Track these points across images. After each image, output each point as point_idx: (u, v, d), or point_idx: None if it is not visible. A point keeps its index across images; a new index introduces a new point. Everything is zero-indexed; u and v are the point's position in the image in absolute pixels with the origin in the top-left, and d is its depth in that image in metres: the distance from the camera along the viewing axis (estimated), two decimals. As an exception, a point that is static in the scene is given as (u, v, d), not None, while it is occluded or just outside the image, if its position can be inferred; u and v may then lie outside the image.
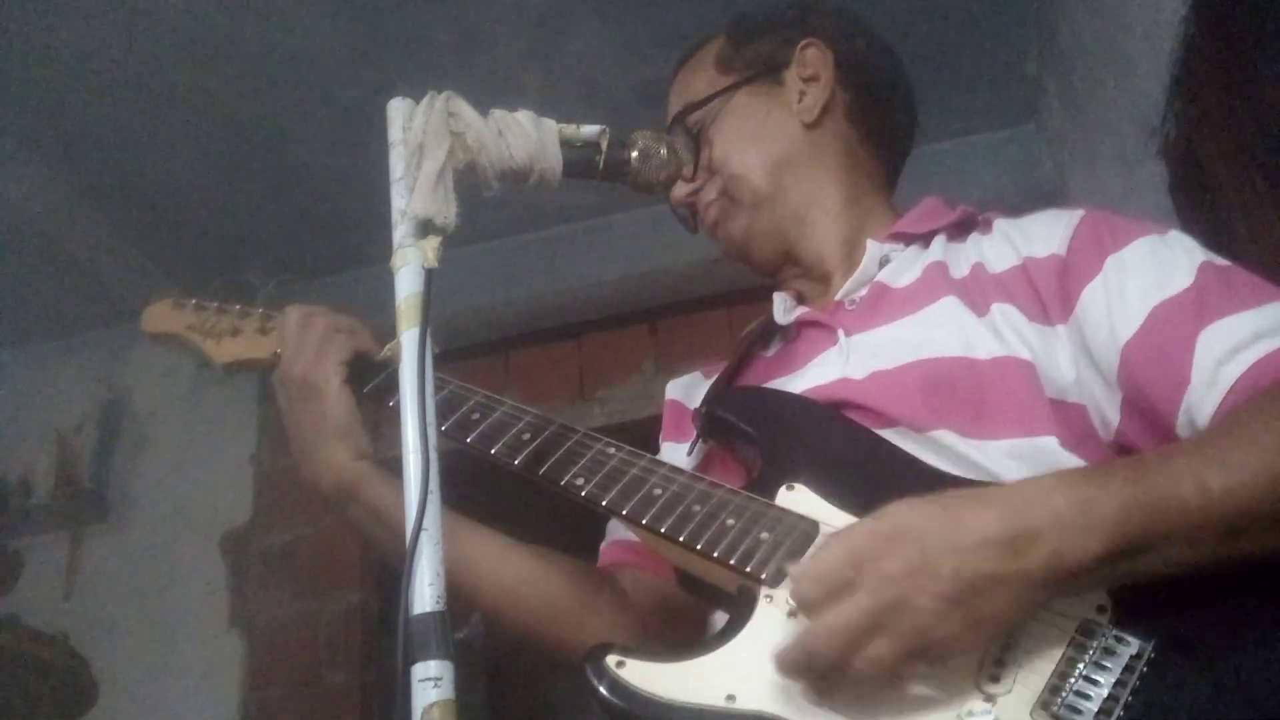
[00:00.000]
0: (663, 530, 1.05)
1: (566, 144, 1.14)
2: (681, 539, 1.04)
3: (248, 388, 3.31)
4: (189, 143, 2.91)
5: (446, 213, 1.01)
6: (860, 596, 0.85)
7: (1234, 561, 0.87)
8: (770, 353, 1.36)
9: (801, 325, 1.30)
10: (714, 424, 1.23)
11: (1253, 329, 1.00)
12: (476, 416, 1.20)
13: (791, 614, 0.94)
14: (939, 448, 1.09)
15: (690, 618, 1.22)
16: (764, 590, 0.98)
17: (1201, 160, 1.96)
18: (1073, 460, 1.06)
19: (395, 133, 1.05)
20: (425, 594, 0.82)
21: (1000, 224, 1.27)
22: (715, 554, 1.01)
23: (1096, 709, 0.82)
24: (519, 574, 1.26)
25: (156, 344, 1.47)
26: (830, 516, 1.02)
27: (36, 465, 3.40)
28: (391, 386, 1.19)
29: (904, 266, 1.28)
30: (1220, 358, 1.00)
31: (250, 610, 3.22)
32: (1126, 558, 0.86)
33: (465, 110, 1.07)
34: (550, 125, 1.13)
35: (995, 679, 0.86)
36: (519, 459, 1.15)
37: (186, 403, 3.37)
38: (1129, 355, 1.06)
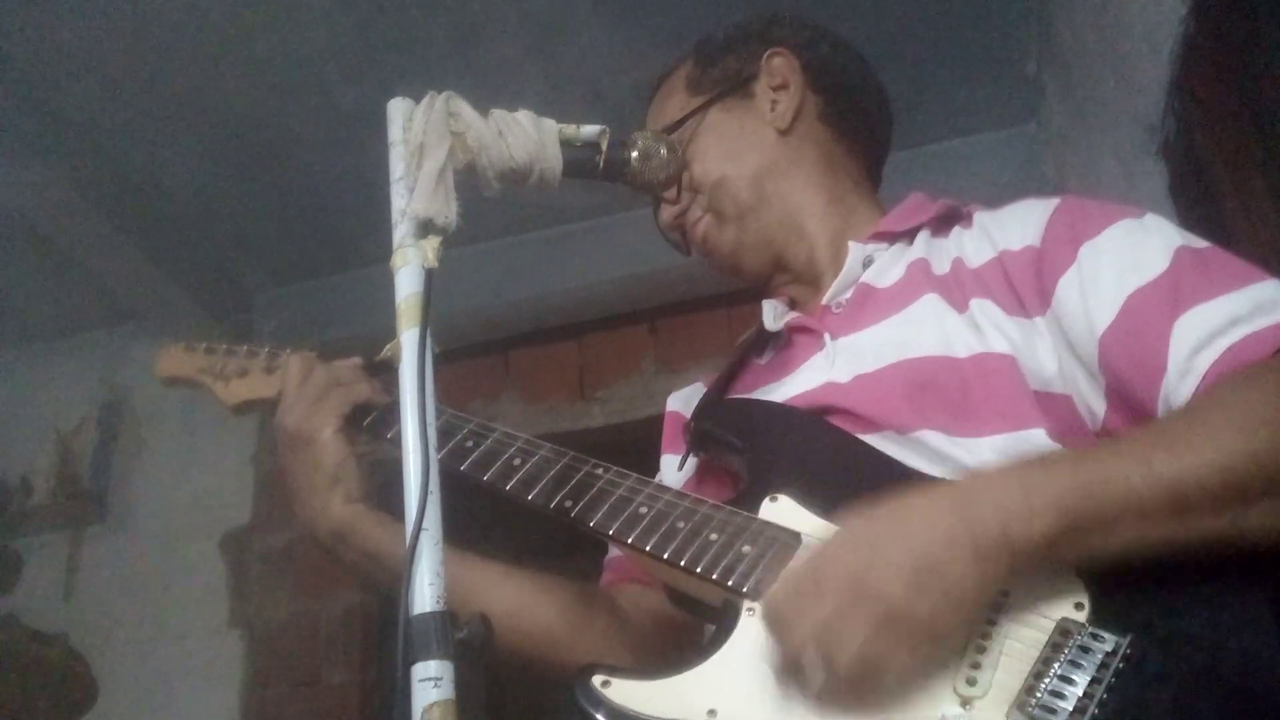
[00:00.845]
0: (647, 549, 1.07)
1: (566, 144, 1.14)
2: (665, 556, 1.06)
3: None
4: (189, 143, 2.91)
5: (447, 213, 1.01)
6: (823, 597, 0.88)
7: (1198, 545, 0.88)
8: (763, 360, 1.36)
9: (792, 331, 1.31)
10: (702, 437, 1.25)
11: (1229, 314, 1.00)
12: (470, 444, 1.22)
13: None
14: (924, 449, 1.09)
15: (688, 630, 1.23)
16: (746, 604, 0.99)
17: (1201, 160, 1.96)
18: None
19: (395, 133, 1.05)
20: (425, 594, 0.82)
21: (979, 217, 1.27)
22: (698, 569, 1.03)
23: (1071, 708, 0.83)
24: (513, 601, 1.27)
25: (169, 387, 1.54)
26: (813, 527, 1.03)
27: (36, 465, 3.41)
28: (388, 422, 1.26)
29: (887, 266, 1.28)
30: (1195, 345, 1.00)
31: (250, 610, 3.22)
32: (1077, 536, 0.88)
33: (465, 110, 1.07)
34: (550, 125, 1.13)
35: (971, 682, 0.87)
36: (510, 485, 1.18)
37: (186, 403, 3.36)
38: (1106, 345, 1.06)
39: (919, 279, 1.23)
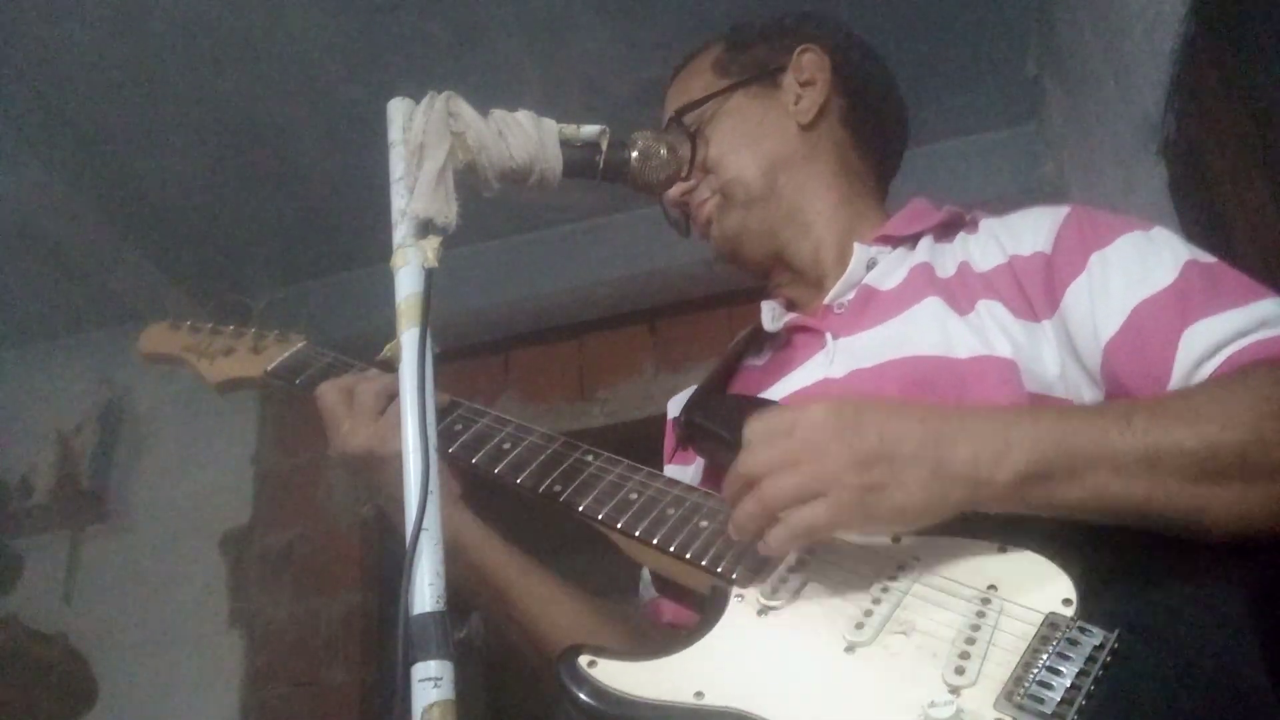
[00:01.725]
0: (637, 533, 1.08)
1: (566, 144, 1.14)
2: (655, 541, 1.06)
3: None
4: (189, 143, 2.90)
5: (447, 213, 1.01)
6: (788, 443, 0.93)
7: (1163, 516, 0.89)
8: (761, 361, 1.37)
9: (792, 331, 1.32)
10: (692, 430, 1.25)
11: (1235, 328, 1.01)
12: (459, 427, 1.22)
13: (761, 613, 0.97)
14: None
15: None
16: (734, 590, 1.00)
17: (1201, 160, 1.96)
18: None
19: (395, 133, 1.05)
20: (425, 594, 0.82)
21: (986, 222, 1.29)
22: (687, 556, 1.04)
23: (1059, 697, 0.83)
24: (573, 622, 1.24)
25: (153, 364, 1.51)
26: None
27: (36, 465, 3.41)
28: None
29: (890, 269, 1.29)
30: (1199, 357, 1.01)
31: (250, 610, 3.22)
32: (1047, 481, 0.90)
33: (465, 110, 1.07)
34: (550, 125, 1.13)
35: (960, 671, 0.88)
36: (499, 468, 1.18)
37: (186, 403, 3.37)
38: (1111, 354, 1.07)
39: (922, 282, 1.24)
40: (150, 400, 3.50)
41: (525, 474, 1.16)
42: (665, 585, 1.14)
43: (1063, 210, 1.21)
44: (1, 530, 3.37)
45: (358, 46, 2.64)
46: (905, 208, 1.37)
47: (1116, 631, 0.87)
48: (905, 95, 1.48)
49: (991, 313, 1.16)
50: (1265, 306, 1.03)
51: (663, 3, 2.60)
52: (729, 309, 3.09)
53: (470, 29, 2.63)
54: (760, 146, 1.36)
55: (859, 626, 0.93)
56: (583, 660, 0.96)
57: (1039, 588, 0.92)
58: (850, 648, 0.92)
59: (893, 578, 0.96)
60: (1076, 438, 0.91)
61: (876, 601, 0.94)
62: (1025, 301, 1.15)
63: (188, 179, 3.02)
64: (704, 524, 1.06)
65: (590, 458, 1.16)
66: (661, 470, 1.37)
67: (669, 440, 1.43)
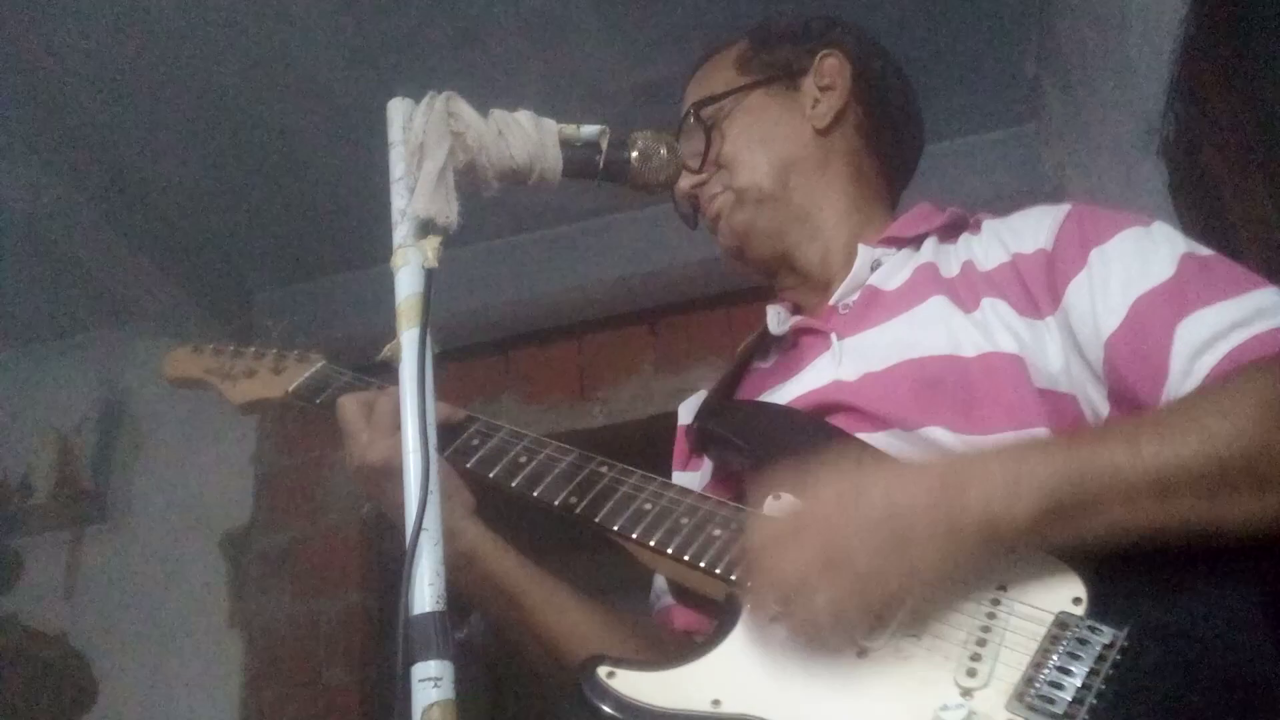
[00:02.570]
0: (652, 543, 1.09)
1: (566, 144, 1.14)
2: (670, 551, 1.07)
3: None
4: (189, 143, 2.91)
5: (447, 213, 1.01)
6: (799, 549, 0.92)
7: (1184, 530, 0.89)
8: (768, 364, 1.38)
9: (797, 333, 1.32)
10: (706, 438, 1.26)
11: (1230, 319, 1.01)
12: (476, 443, 1.23)
13: (775, 619, 0.97)
14: (930, 445, 1.10)
15: None
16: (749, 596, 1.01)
17: (1201, 160, 1.96)
18: None
19: (395, 133, 1.05)
20: (425, 594, 0.82)
21: (989, 223, 1.29)
22: (702, 564, 1.05)
23: (1070, 697, 0.84)
24: (578, 627, 1.24)
25: (178, 387, 1.55)
26: None
27: (36, 465, 3.41)
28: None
29: (895, 269, 1.30)
30: (1197, 349, 1.01)
31: (250, 610, 3.22)
32: (1062, 518, 0.90)
33: (465, 110, 1.07)
34: (550, 125, 1.13)
35: (972, 673, 0.88)
36: (516, 481, 1.19)
37: (186, 403, 3.35)
38: (1112, 348, 1.07)
39: (926, 282, 1.24)
40: (150, 400, 3.50)
41: (542, 487, 1.18)
42: (682, 593, 1.15)
43: (1063, 208, 1.22)
44: (1, 530, 3.36)
45: (358, 46, 2.64)
46: (909, 211, 1.38)
47: (1126, 630, 0.87)
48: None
49: (995, 310, 1.16)
50: (1261, 296, 1.03)
51: (663, 3, 2.61)
52: (729, 309, 3.09)
53: (470, 29, 2.63)
54: (774, 147, 1.36)
55: (871, 630, 0.93)
56: (602, 671, 0.97)
57: (1049, 588, 0.92)
58: (863, 652, 0.93)
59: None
60: (1086, 471, 0.90)
61: (888, 605, 0.94)
62: (1029, 299, 1.16)
63: (188, 179, 3.02)
64: (717, 532, 1.07)
65: (605, 469, 1.18)
66: (670, 474, 1.39)
67: (679, 445, 1.43)
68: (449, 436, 1.23)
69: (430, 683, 0.78)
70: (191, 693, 3.12)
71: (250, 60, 2.67)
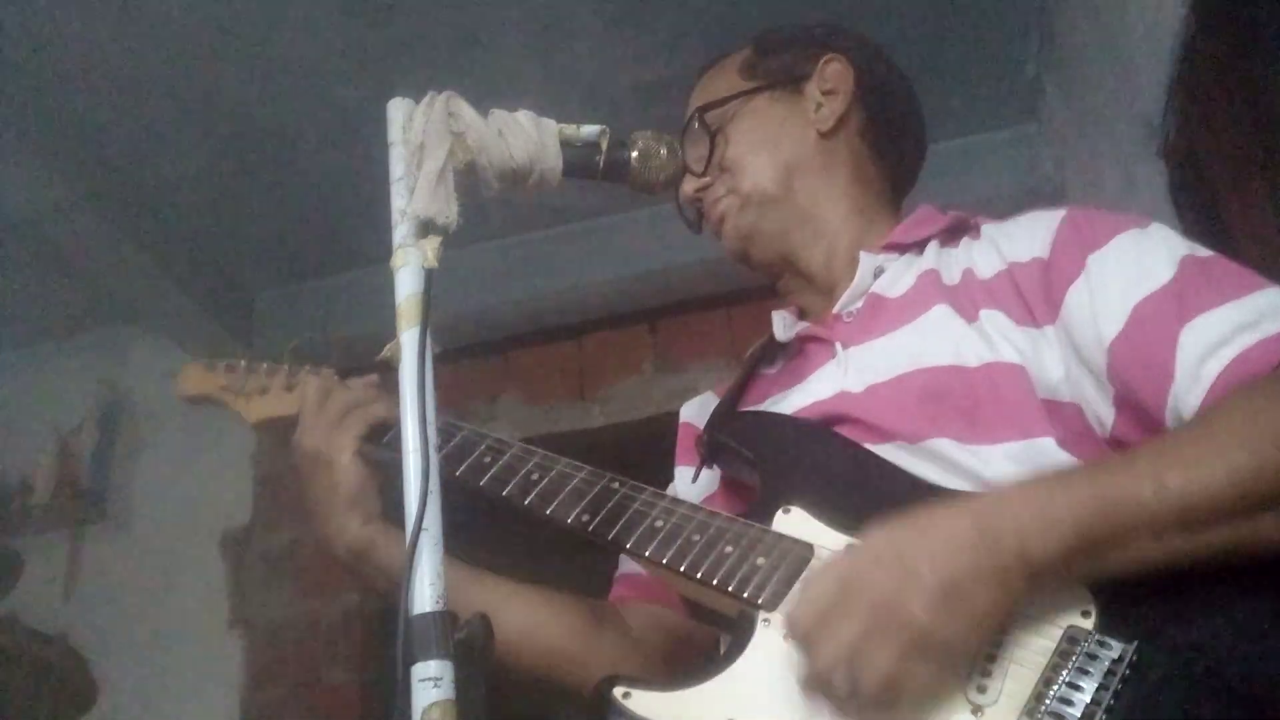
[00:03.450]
0: (664, 561, 1.09)
1: (566, 144, 1.14)
2: (682, 569, 1.07)
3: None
4: (189, 143, 2.90)
5: (447, 213, 1.01)
6: (852, 617, 0.88)
7: (1209, 556, 0.89)
8: (774, 371, 1.38)
9: (802, 340, 1.32)
10: (715, 449, 1.27)
11: (1234, 322, 1.01)
12: (488, 460, 1.24)
13: (788, 636, 0.96)
14: (935, 457, 1.10)
15: (697, 646, 1.27)
16: (762, 614, 1.01)
17: (1201, 160, 1.96)
18: (1071, 460, 1.07)
19: (395, 133, 1.05)
20: (425, 594, 0.82)
21: (987, 229, 1.29)
22: (714, 582, 1.05)
23: (1080, 714, 0.83)
24: (524, 620, 1.28)
25: (191, 404, 1.57)
26: (825, 538, 1.04)
27: (36, 465, 3.41)
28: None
29: (898, 276, 1.30)
30: (1202, 354, 1.01)
31: (250, 610, 3.22)
32: (1092, 554, 0.89)
33: (465, 110, 1.07)
34: (550, 125, 1.13)
35: (982, 690, 0.88)
36: (529, 499, 1.20)
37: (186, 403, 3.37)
38: (1115, 354, 1.07)
39: (930, 289, 1.24)
40: (150, 400, 3.50)
41: (554, 504, 1.18)
42: (696, 610, 1.15)
43: (1059, 214, 1.21)
44: (1, 530, 3.36)
45: (358, 47, 2.64)
46: (912, 214, 1.38)
47: (1135, 644, 0.87)
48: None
49: (994, 322, 1.16)
50: (1264, 297, 1.03)
51: (663, 3, 2.60)
52: (729, 309, 3.09)
53: (470, 29, 2.63)
54: (778, 149, 1.37)
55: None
56: (618, 692, 0.98)
57: (1058, 602, 0.91)
58: None
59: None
60: (1113, 507, 0.90)
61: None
62: (1025, 309, 1.16)
63: (188, 179, 3.02)
64: (728, 549, 1.06)
65: (616, 485, 1.18)
66: (672, 474, 1.41)
67: (681, 444, 1.44)
68: (458, 456, 1.25)
69: (430, 683, 0.79)
70: (191, 693, 3.12)
71: (251, 60, 2.66)
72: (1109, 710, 0.83)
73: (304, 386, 1.36)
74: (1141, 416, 1.05)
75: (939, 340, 1.17)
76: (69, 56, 2.60)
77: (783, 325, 1.34)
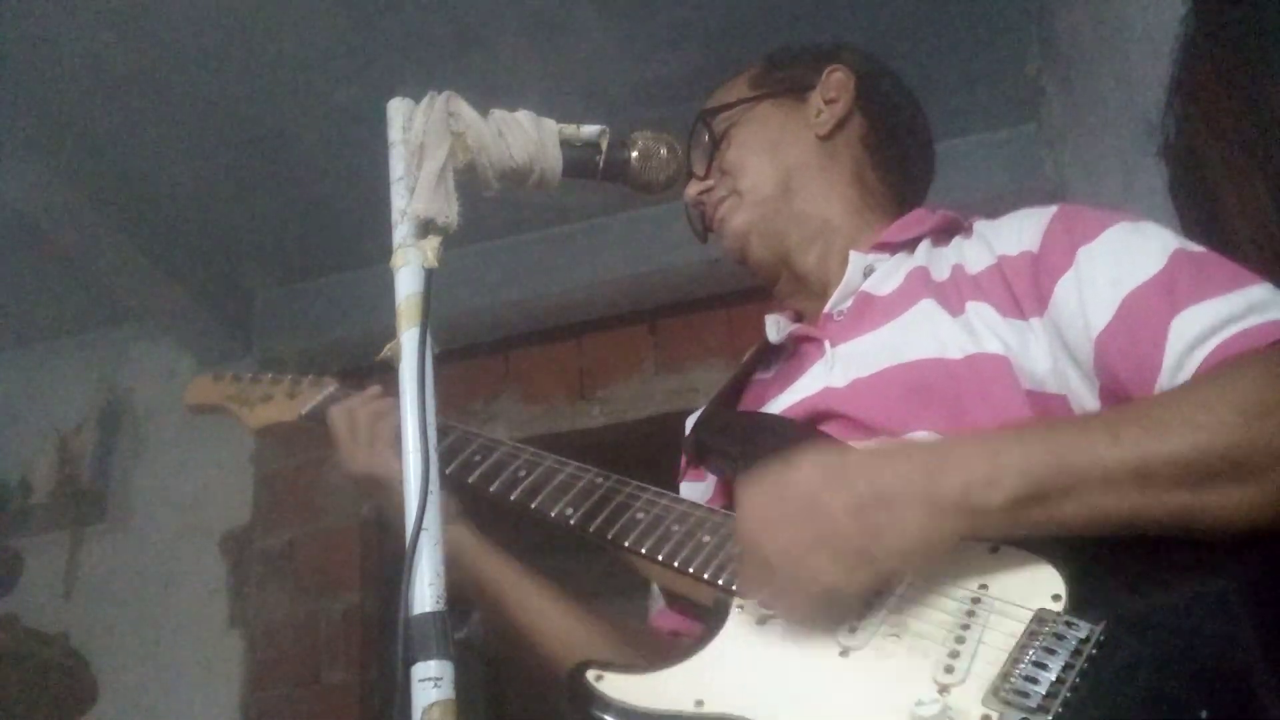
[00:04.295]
0: (643, 550, 1.12)
1: (566, 144, 1.15)
2: (660, 557, 1.10)
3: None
4: (189, 142, 2.90)
5: (447, 213, 1.01)
6: (791, 521, 0.94)
7: (1169, 520, 0.90)
8: (770, 374, 1.40)
9: (797, 341, 1.34)
10: (701, 449, 1.30)
11: (1224, 314, 1.01)
12: (478, 458, 1.28)
13: (761, 622, 1.00)
14: None
15: None
16: (735, 601, 1.03)
17: (1201, 160, 1.96)
18: None
19: (395, 133, 1.05)
20: (425, 594, 0.83)
21: (979, 226, 1.30)
22: (690, 569, 1.08)
23: (1045, 690, 0.84)
24: (565, 630, 1.29)
25: (198, 414, 1.68)
26: None
27: (36, 465, 3.41)
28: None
29: (888, 274, 1.31)
30: (1190, 344, 1.01)
31: (250, 610, 3.22)
32: (1042, 503, 0.91)
33: (465, 110, 1.07)
34: (550, 125, 1.13)
35: (949, 670, 0.89)
36: (515, 494, 1.23)
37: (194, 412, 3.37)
38: (1103, 345, 1.07)
39: (917, 286, 1.25)
40: (150, 400, 3.50)
41: (540, 498, 1.22)
42: (674, 599, 1.18)
43: (1050, 210, 1.22)
44: (1, 530, 3.37)
45: (358, 47, 2.64)
46: (903, 216, 1.39)
47: (1103, 624, 0.88)
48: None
49: (980, 314, 1.17)
50: (1254, 292, 1.03)
51: (662, 2, 2.60)
52: (729, 309, 3.09)
53: (470, 29, 2.63)
54: (778, 152, 1.39)
55: (853, 631, 0.95)
56: (591, 674, 0.99)
57: (1029, 585, 0.93)
58: (844, 652, 0.94)
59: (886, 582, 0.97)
60: (1067, 456, 0.91)
61: (870, 605, 0.96)
62: (1013, 301, 1.16)
63: (188, 179, 3.02)
64: (706, 539, 1.09)
65: (601, 480, 1.21)
66: (673, 478, 1.41)
67: (684, 458, 1.44)
68: (449, 454, 1.28)
69: (430, 683, 0.79)
70: (191, 693, 3.12)
71: (250, 59, 2.67)
72: (1074, 688, 0.84)
73: (330, 420, 1.39)
74: None
75: (922, 334, 1.19)
76: (69, 56, 2.60)
77: (776, 328, 1.37)
